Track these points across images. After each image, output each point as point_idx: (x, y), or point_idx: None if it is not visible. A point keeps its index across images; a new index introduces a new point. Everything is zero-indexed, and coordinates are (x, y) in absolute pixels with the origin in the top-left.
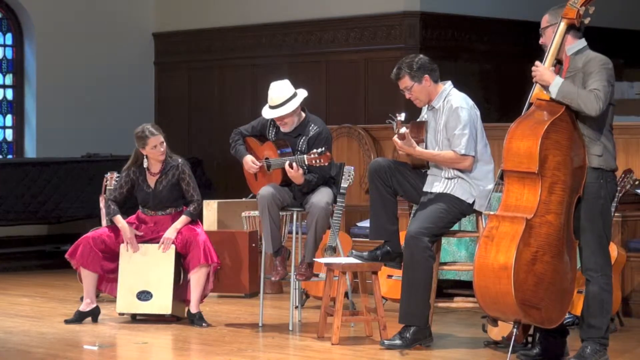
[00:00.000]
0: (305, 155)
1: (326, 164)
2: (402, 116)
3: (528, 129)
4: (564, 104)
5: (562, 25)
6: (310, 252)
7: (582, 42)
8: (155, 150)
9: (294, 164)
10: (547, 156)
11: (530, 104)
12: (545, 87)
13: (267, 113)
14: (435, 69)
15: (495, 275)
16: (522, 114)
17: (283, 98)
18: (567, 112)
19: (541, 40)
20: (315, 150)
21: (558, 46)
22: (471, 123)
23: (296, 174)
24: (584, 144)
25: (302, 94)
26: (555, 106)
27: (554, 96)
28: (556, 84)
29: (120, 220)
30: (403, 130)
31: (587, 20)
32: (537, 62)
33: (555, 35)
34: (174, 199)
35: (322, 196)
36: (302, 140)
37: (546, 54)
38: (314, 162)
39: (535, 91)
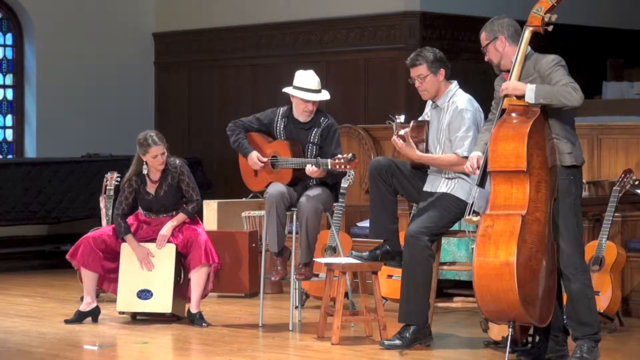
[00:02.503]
0: (329, 160)
1: (352, 170)
2: (401, 118)
3: (511, 130)
4: (538, 106)
5: (527, 34)
6: (305, 253)
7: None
8: (155, 160)
9: (313, 167)
10: (532, 155)
11: (503, 111)
12: (521, 97)
13: (308, 95)
14: (449, 66)
15: (496, 273)
16: (496, 120)
17: (320, 84)
18: (541, 115)
19: (486, 58)
20: (342, 156)
21: (524, 55)
22: (475, 126)
23: (321, 174)
24: (553, 145)
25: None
26: (531, 110)
27: (533, 100)
28: (530, 89)
29: (132, 241)
30: (402, 132)
31: (550, 28)
32: (502, 84)
33: (520, 45)
34: (176, 202)
35: (311, 196)
36: (314, 132)
37: (512, 67)
38: (337, 167)
39: (507, 98)
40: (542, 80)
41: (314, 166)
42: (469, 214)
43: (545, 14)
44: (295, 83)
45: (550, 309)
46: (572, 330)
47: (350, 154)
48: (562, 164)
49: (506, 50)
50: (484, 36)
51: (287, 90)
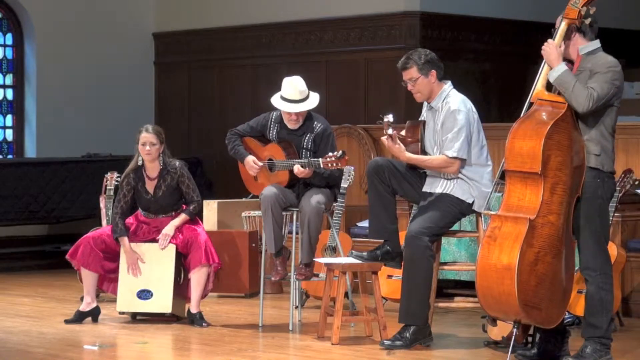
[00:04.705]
0: (320, 159)
1: (344, 167)
2: (389, 117)
3: (530, 129)
4: (565, 104)
5: (563, 26)
6: (306, 253)
7: (595, 44)
8: (142, 147)
9: (299, 167)
10: (550, 156)
11: (531, 104)
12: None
13: (288, 107)
14: (441, 67)
15: (498, 276)
16: (522, 113)
17: (305, 93)
18: (569, 112)
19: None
20: (333, 154)
21: (559, 46)
22: (467, 126)
23: (307, 175)
24: (583, 144)
25: (313, 92)
26: (557, 106)
27: (551, 80)
28: (558, 70)
29: (125, 243)
30: (390, 131)
31: (588, 21)
32: (549, 40)
33: (555, 35)
34: (174, 203)
35: (314, 196)
36: (307, 138)
37: (542, 66)
38: (329, 165)
39: (536, 91)
40: (589, 76)
41: (300, 166)
42: (485, 209)
43: (582, 6)
44: (281, 92)
45: (562, 311)
46: (582, 330)
47: (340, 151)
48: (589, 164)
49: (573, 40)
50: (558, 20)
51: (273, 101)
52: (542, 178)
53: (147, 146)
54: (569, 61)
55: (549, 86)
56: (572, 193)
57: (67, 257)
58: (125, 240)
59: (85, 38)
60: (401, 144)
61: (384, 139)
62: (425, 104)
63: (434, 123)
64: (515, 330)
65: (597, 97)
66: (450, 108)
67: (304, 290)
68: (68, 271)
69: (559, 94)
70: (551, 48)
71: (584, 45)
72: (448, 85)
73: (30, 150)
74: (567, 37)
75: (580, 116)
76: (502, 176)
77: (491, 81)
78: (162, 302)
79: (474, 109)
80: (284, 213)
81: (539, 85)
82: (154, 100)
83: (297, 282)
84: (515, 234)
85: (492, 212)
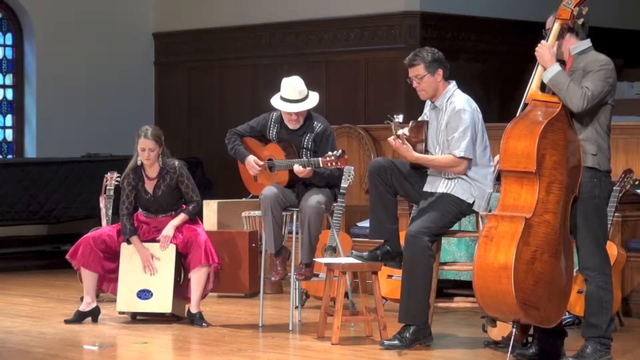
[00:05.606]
0: (320, 158)
1: (344, 166)
2: (399, 117)
3: (525, 128)
4: (559, 104)
5: (556, 27)
6: (307, 253)
7: (587, 43)
8: (142, 152)
9: (300, 167)
10: (545, 156)
11: (526, 105)
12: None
13: (288, 107)
14: (448, 66)
15: (495, 275)
16: (517, 114)
17: (304, 93)
18: (563, 111)
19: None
20: (332, 153)
21: (552, 47)
22: (472, 126)
23: (308, 174)
24: (579, 144)
25: (312, 91)
26: (551, 106)
27: (545, 81)
28: (552, 70)
29: (137, 243)
30: (400, 132)
31: (580, 21)
32: (542, 41)
33: (548, 36)
34: (174, 202)
35: (314, 196)
36: (307, 138)
37: (536, 67)
38: (329, 164)
39: (531, 92)
40: (583, 75)
41: (300, 166)
42: (483, 210)
43: (574, 7)
44: (280, 92)
45: (561, 311)
46: (582, 329)
47: (339, 150)
48: (585, 164)
49: (564, 40)
50: (550, 20)
51: (272, 102)
52: (537, 177)
53: (146, 152)
54: (560, 62)
55: (543, 87)
56: (568, 192)
57: (67, 257)
58: (136, 239)
59: (85, 38)
60: (409, 144)
61: (391, 140)
62: (428, 103)
63: (438, 122)
64: (514, 330)
65: (592, 96)
66: (455, 108)
67: (304, 290)
68: (68, 271)
69: (553, 94)
70: (545, 49)
71: (575, 45)
72: (452, 85)
73: (30, 150)
74: (559, 37)
75: (575, 116)
76: (498, 177)
77: (491, 81)
78: (162, 302)
79: (478, 109)
80: (284, 213)
81: (533, 86)
82: (154, 100)
83: (297, 282)
84: (512, 233)
85: (489, 213)
